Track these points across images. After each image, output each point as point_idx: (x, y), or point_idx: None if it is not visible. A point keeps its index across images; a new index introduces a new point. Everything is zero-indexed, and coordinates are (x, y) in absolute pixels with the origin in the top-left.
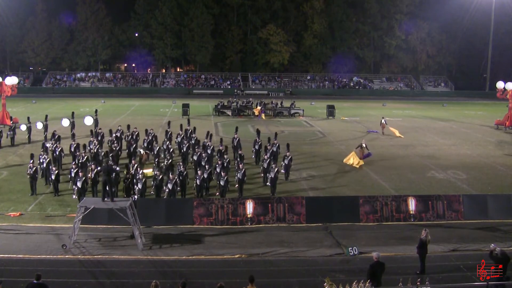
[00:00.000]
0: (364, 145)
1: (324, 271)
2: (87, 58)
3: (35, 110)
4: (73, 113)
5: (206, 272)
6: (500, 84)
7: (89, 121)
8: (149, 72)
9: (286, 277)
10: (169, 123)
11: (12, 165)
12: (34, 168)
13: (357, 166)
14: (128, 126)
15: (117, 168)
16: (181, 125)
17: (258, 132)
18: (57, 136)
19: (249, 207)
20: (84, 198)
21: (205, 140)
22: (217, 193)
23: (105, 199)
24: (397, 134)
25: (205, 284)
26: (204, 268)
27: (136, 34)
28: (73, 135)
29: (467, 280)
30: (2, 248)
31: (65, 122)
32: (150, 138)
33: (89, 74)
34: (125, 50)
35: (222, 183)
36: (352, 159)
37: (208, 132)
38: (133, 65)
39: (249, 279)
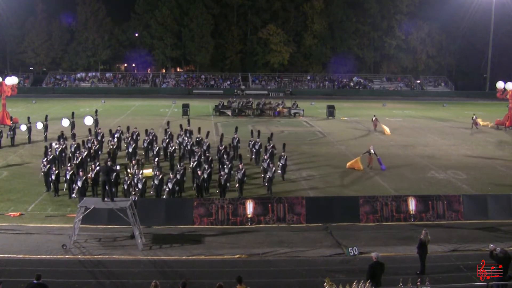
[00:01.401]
0: (372, 151)
1: (324, 271)
2: (87, 58)
3: (35, 110)
4: (73, 113)
5: (206, 272)
6: (500, 84)
7: (89, 121)
8: (149, 72)
9: (286, 277)
10: (168, 123)
11: (12, 165)
12: (47, 166)
13: (361, 169)
14: (128, 128)
15: (118, 167)
16: (180, 125)
17: (258, 132)
18: (60, 136)
19: (249, 207)
20: (84, 198)
21: (205, 140)
22: (217, 191)
23: (105, 199)
24: (387, 132)
25: (205, 284)
26: (204, 268)
27: (136, 34)
28: (73, 135)
29: (467, 280)
30: (2, 248)
31: (65, 122)
32: (150, 138)
33: (89, 74)
34: (125, 50)
35: (222, 182)
36: (355, 164)
37: (208, 132)
38: (133, 65)
39: (237, 280)
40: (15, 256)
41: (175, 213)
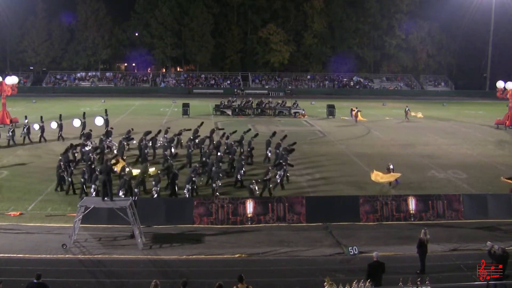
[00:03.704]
0: (391, 167)
1: (324, 270)
2: (87, 57)
3: (35, 109)
4: (84, 113)
5: (206, 271)
6: (500, 84)
7: (99, 121)
8: (149, 71)
9: (286, 277)
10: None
11: (13, 164)
12: (66, 166)
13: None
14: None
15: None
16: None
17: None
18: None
19: (249, 206)
20: (84, 197)
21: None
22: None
23: (105, 198)
24: (361, 118)
25: (205, 283)
26: (204, 268)
27: (136, 34)
28: (84, 135)
29: (467, 280)
30: (2, 247)
31: (76, 123)
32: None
33: (89, 74)
34: (125, 50)
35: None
36: (381, 177)
37: (213, 131)
38: (133, 64)
39: (238, 279)
40: (15, 255)
41: (175, 213)
